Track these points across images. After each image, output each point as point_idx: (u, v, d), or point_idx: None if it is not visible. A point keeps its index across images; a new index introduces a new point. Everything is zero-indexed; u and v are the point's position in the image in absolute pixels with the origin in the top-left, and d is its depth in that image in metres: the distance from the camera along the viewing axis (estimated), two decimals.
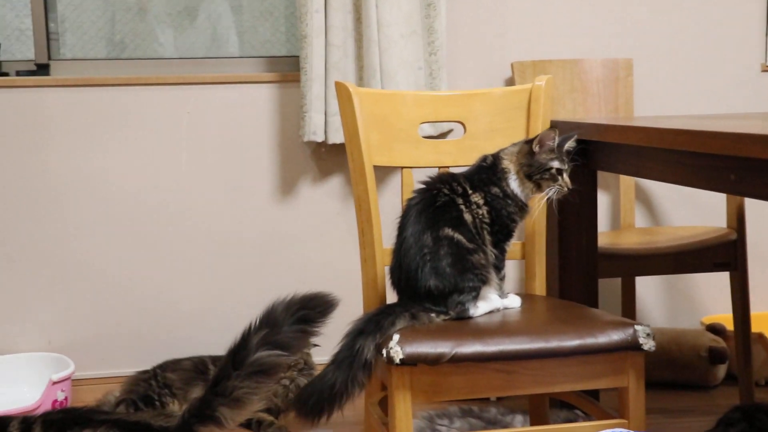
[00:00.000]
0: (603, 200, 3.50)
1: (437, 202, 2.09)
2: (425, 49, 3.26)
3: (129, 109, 3.26)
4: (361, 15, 3.19)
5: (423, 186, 2.15)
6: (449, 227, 2.05)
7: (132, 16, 3.48)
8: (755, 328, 3.30)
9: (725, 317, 3.27)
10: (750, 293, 3.44)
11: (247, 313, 3.27)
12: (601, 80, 3.39)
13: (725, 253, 2.95)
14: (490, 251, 2.11)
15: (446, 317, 2.05)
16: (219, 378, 1.93)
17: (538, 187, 2.12)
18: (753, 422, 2.56)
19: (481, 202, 2.11)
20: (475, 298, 2.07)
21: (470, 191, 2.12)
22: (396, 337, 1.90)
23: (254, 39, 3.54)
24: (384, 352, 1.89)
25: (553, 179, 2.10)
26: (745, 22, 3.51)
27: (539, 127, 2.35)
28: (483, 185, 2.13)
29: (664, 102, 3.50)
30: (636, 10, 3.47)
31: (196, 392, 3.06)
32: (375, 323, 1.96)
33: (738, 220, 2.97)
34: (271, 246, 3.36)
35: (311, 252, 3.36)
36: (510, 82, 3.41)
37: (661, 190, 3.52)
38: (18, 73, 3.34)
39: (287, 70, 3.38)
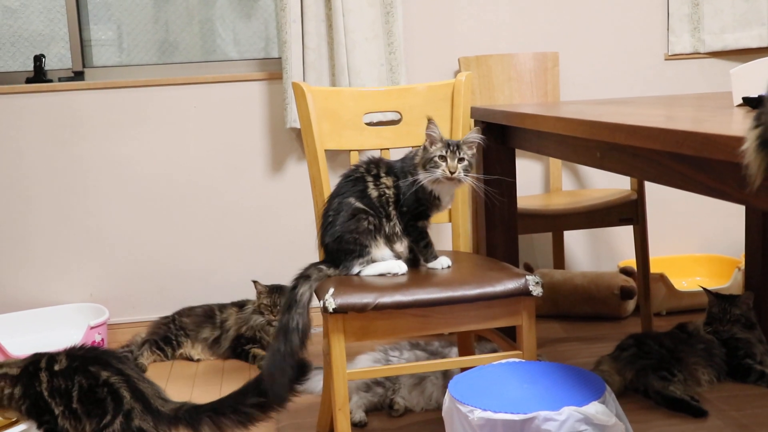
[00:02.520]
0: (537, 168, 3.49)
1: (351, 177, 2.10)
2: (386, 49, 3.25)
3: (147, 105, 3.28)
4: (331, 23, 3.18)
5: (352, 166, 2.17)
6: (353, 197, 2.06)
7: (179, 25, 3.49)
8: (659, 269, 3.31)
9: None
10: (655, 242, 3.45)
11: (246, 268, 3.35)
12: (533, 71, 3.37)
13: (628, 210, 2.94)
14: (395, 224, 2.07)
15: (334, 273, 2.05)
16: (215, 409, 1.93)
17: (432, 173, 2.04)
18: (641, 347, 2.58)
19: (390, 184, 2.08)
20: (359, 257, 2.04)
21: (383, 175, 2.09)
22: (330, 290, 1.91)
23: (254, 43, 3.54)
24: (321, 303, 1.91)
25: (437, 166, 2.02)
26: (650, 19, 3.47)
27: (461, 114, 2.35)
28: (400, 172, 2.09)
29: (585, 88, 3.47)
30: (561, 11, 3.43)
31: (205, 333, 3.11)
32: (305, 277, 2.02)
33: (639, 183, 2.96)
34: (264, 215, 3.38)
35: (297, 218, 3.38)
36: (458, 74, 3.39)
37: None
38: (60, 80, 3.37)
39: (275, 69, 3.38)
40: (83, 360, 2.01)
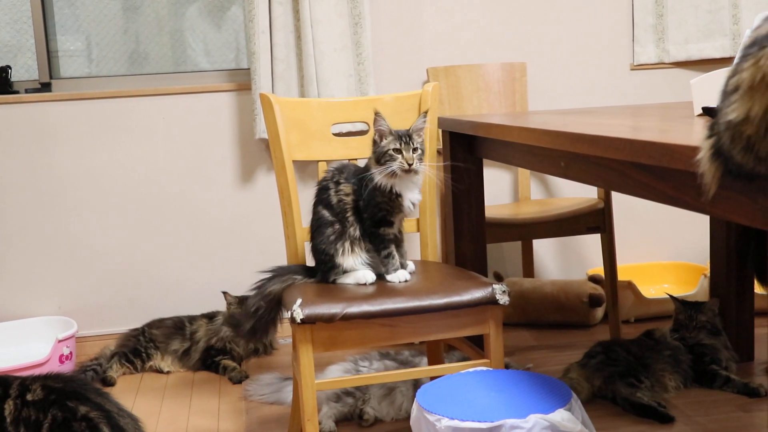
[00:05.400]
0: (506, 178, 3.52)
1: (320, 185, 2.13)
2: (354, 60, 3.26)
3: (116, 116, 3.26)
4: (300, 34, 3.18)
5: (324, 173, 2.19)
6: (321, 205, 2.09)
7: (149, 35, 3.47)
8: (627, 277, 3.34)
9: None
10: (623, 250, 3.49)
11: (216, 279, 3.33)
12: (501, 81, 3.39)
13: (595, 219, 2.97)
14: (356, 232, 2.07)
15: (311, 280, 2.11)
16: None
17: (388, 167, 2.02)
18: (609, 354, 2.60)
19: (349, 191, 2.07)
20: (333, 268, 2.06)
21: (342, 181, 2.09)
22: (298, 301, 1.91)
23: (224, 53, 3.53)
24: (289, 313, 1.91)
25: (392, 159, 2.01)
26: (616, 30, 3.51)
27: (428, 123, 2.36)
28: (360, 180, 2.08)
29: (552, 97, 3.50)
30: (528, 22, 3.46)
31: (175, 345, 3.09)
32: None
33: (606, 192, 2.99)
34: (234, 225, 3.37)
35: (267, 229, 3.37)
36: (426, 84, 3.40)
37: None
38: (26, 91, 3.34)
39: (245, 80, 3.38)
40: (61, 393, 1.93)
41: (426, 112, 2.15)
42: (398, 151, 2.02)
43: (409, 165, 2.01)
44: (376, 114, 2.06)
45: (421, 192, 2.16)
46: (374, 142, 2.07)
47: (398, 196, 2.05)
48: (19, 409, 1.89)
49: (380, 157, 2.04)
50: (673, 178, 1.40)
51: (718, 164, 1.07)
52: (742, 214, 1.18)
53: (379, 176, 2.02)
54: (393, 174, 2.02)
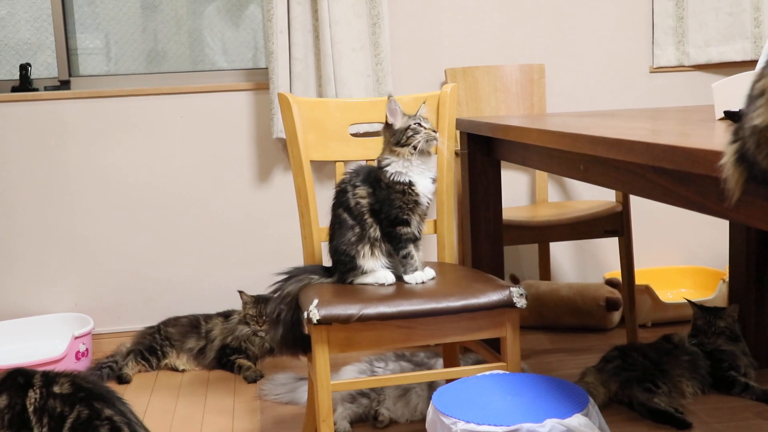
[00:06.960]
0: (523, 180, 3.50)
1: (339, 188, 2.13)
2: (372, 60, 3.26)
3: (133, 115, 3.28)
4: (318, 33, 3.18)
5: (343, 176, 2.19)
6: (341, 208, 2.09)
7: (167, 34, 3.48)
8: (644, 281, 3.32)
9: None
10: (640, 254, 3.47)
11: (231, 278, 3.34)
12: (519, 82, 3.38)
13: (613, 222, 2.95)
14: (376, 234, 2.06)
15: (327, 281, 2.11)
16: None
17: (410, 147, 2.04)
18: (626, 358, 2.59)
19: (364, 194, 2.07)
20: (352, 270, 2.06)
21: (358, 184, 2.09)
22: (315, 301, 1.91)
23: (242, 53, 3.54)
24: (305, 314, 1.91)
25: (416, 132, 2.03)
26: (636, 32, 3.49)
27: (446, 124, 2.35)
28: (374, 181, 2.08)
29: (571, 99, 3.49)
30: (546, 24, 3.45)
31: (191, 343, 3.10)
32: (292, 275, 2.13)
33: (624, 195, 2.97)
34: (250, 225, 3.37)
35: (283, 229, 3.37)
36: (444, 85, 3.39)
37: None
38: (46, 88, 3.35)
39: (263, 79, 3.38)
40: (90, 393, 1.97)
41: (425, 101, 2.18)
42: (419, 125, 2.05)
43: (434, 132, 2.06)
44: (390, 97, 2.09)
45: (435, 181, 2.13)
46: (387, 125, 2.09)
47: (410, 186, 2.04)
48: (45, 398, 1.93)
49: (400, 136, 2.05)
50: (695, 183, 1.38)
51: (742, 170, 1.06)
52: (766, 220, 1.17)
53: (392, 164, 2.04)
54: (414, 150, 2.03)
